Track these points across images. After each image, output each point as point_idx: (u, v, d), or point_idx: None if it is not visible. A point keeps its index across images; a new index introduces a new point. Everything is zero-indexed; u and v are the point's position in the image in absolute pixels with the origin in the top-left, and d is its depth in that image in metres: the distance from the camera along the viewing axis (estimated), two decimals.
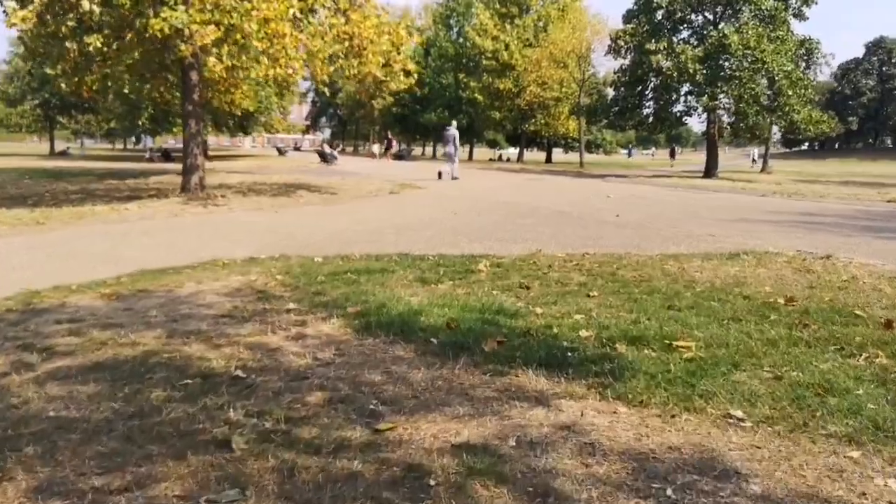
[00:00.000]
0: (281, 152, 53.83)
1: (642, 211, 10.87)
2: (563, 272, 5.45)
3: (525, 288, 4.80)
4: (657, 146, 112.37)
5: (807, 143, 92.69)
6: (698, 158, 72.05)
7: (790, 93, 25.25)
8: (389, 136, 43.04)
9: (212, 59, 9.69)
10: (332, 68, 11.57)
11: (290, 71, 10.17)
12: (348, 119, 78.17)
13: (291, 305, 4.22)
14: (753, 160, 49.14)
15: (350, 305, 4.17)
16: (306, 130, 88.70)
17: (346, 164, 31.74)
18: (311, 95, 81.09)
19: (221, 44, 10.01)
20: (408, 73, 13.13)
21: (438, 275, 5.36)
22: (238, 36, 10.01)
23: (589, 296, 4.52)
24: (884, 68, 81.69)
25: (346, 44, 11.56)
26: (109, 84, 11.47)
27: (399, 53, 12.75)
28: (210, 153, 49.99)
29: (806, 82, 26.73)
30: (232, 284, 5.07)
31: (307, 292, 4.69)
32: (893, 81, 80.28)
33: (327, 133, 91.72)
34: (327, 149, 34.66)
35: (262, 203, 12.11)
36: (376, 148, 44.57)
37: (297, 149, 70.03)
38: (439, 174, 19.41)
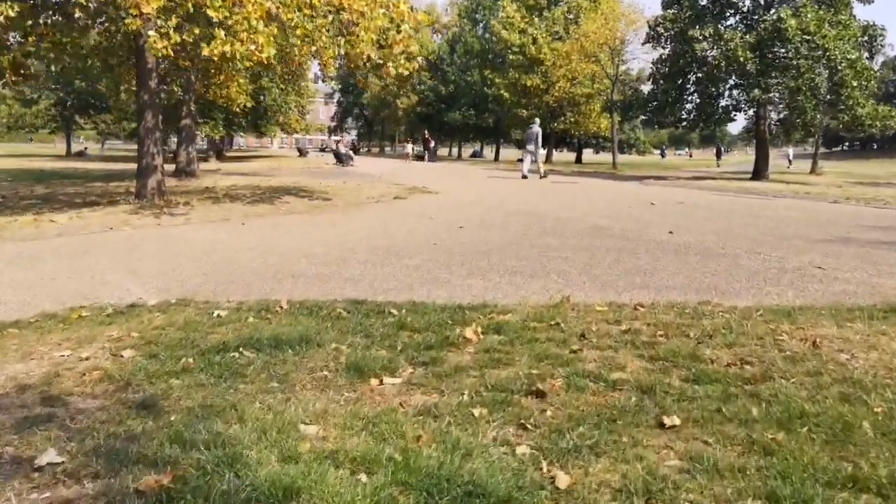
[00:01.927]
0: (302, 153, 52.25)
1: (701, 225, 8.48)
2: (607, 349, 3.21)
3: (538, 395, 2.58)
4: (691, 146, 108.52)
5: (847, 143, 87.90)
6: (734, 159, 68.35)
7: (854, 84, 22.33)
8: (427, 136, 40.49)
9: (152, 34, 7.66)
10: (313, 48, 9.46)
11: (252, 47, 8.10)
12: (373, 119, 76.49)
13: (51, 457, 2.06)
14: (790, 160, 45.81)
15: (158, 466, 2.00)
16: (333, 131, 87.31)
17: (364, 166, 29.74)
18: (336, 96, 79.92)
19: (169, 14, 7.99)
20: (411, 57, 10.94)
21: (393, 351, 3.17)
22: (189, 4, 7.97)
23: (662, 426, 2.27)
24: None
25: (332, 17, 9.44)
26: (51, 67, 9.53)
27: (399, 32, 10.57)
28: (229, 153, 48.70)
29: (870, 73, 23.74)
30: (31, 374, 2.95)
31: (127, 403, 2.54)
32: None
33: (353, 134, 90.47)
34: (342, 149, 32.70)
35: (233, 212, 10.06)
36: (410, 148, 41.96)
37: (322, 150, 68.51)
38: (544, 174, 19.33)
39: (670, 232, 7.53)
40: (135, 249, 6.55)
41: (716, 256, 5.93)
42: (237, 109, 20.59)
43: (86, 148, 48.61)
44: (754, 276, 5.02)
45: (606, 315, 3.83)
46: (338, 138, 47.84)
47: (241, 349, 3.18)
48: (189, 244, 6.94)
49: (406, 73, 10.99)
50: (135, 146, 64.45)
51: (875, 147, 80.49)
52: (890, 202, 13.66)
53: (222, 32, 8.00)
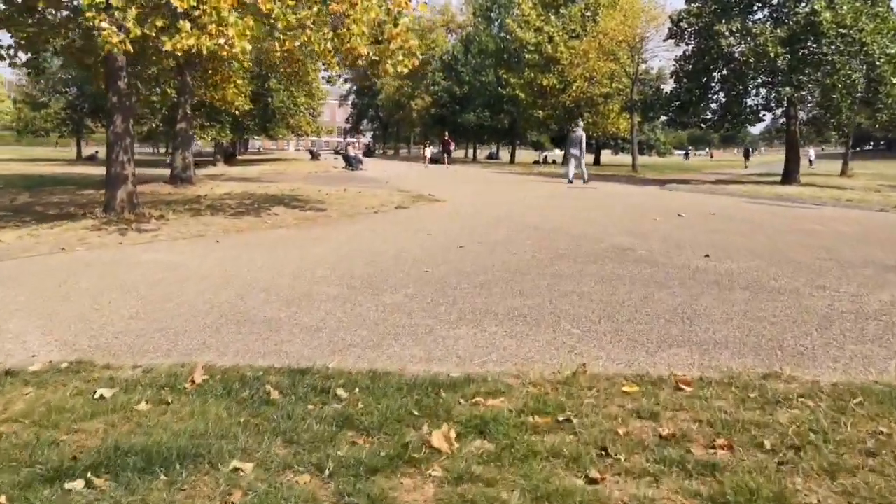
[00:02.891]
0: (314, 156, 51.49)
1: (741, 244, 7.28)
2: (643, 477, 2.10)
3: None
4: (711, 146, 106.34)
5: (872, 142, 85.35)
6: (756, 160, 66.26)
7: (894, 81, 20.83)
8: (446, 138, 38.98)
9: (105, 26, 6.69)
10: (297, 42, 8.43)
11: (222, 41, 7.09)
12: (388, 121, 75.63)
13: None
14: (810, 161, 44.18)
15: None
16: (347, 133, 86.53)
17: (373, 169, 28.75)
18: (351, 98, 79.26)
19: (129, 4, 7.00)
20: (410, 53, 9.86)
21: (319, 477, 2.10)
22: None
23: None
24: None
25: (317, 8, 8.40)
26: None
27: (397, 26, 9.52)
28: (242, 156, 47.98)
29: None
30: None
31: None
32: None
33: (369, 136, 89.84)
34: (352, 152, 31.71)
35: (212, 227, 9.08)
36: (429, 151, 40.54)
37: (337, 152, 67.75)
38: (578, 180, 19.17)
39: (706, 255, 6.36)
40: (69, 279, 5.56)
41: (769, 293, 4.76)
42: (236, 112, 19.66)
43: (96, 152, 48.24)
44: (828, 326, 3.86)
45: (638, 401, 2.72)
46: (351, 140, 46.68)
47: (90, 474, 2.13)
48: (138, 271, 5.94)
49: (405, 70, 9.92)
50: (147, 150, 63.64)
51: None
52: None
53: (188, 24, 7.00)
